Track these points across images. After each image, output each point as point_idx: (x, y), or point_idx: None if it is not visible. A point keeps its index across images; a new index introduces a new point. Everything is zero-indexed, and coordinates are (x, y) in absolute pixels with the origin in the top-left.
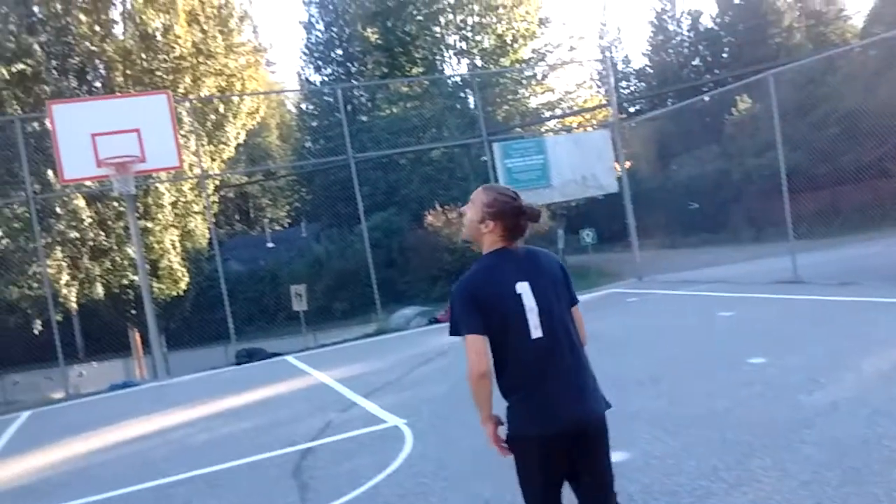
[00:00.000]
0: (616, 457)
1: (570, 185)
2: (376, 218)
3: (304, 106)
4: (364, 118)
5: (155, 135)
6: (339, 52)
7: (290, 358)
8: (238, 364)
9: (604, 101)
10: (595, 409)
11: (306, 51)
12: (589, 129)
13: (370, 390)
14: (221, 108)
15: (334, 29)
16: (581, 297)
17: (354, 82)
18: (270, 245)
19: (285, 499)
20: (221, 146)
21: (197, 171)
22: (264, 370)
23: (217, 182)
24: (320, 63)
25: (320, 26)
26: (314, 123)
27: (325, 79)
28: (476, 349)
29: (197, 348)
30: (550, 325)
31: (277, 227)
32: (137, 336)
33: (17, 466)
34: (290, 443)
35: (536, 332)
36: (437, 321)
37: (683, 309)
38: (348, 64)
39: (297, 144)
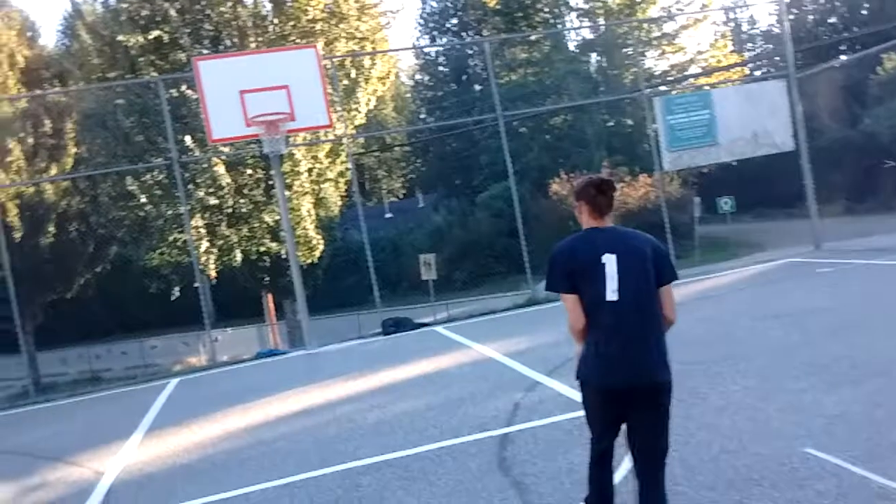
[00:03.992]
0: None
1: (738, 142)
2: (498, 187)
3: (418, 77)
4: (479, 87)
5: (304, 92)
6: (455, 21)
7: (440, 329)
8: (385, 334)
9: (738, 61)
10: (652, 375)
11: (421, 21)
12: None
13: (551, 368)
14: (353, 74)
15: None
16: (750, 269)
17: (501, 37)
18: (389, 215)
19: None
20: (354, 112)
21: (331, 136)
22: (415, 341)
23: (350, 148)
24: (436, 34)
25: None
26: (429, 94)
27: (441, 49)
28: (571, 306)
29: (329, 316)
30: (626, 294)
31: (392, 199)
32: (271, 303)
33: (173, 441)
34: (479, 427)
35: (612, 296)
36: None
37: None
38: (463, 34)
39: (413, 116)
